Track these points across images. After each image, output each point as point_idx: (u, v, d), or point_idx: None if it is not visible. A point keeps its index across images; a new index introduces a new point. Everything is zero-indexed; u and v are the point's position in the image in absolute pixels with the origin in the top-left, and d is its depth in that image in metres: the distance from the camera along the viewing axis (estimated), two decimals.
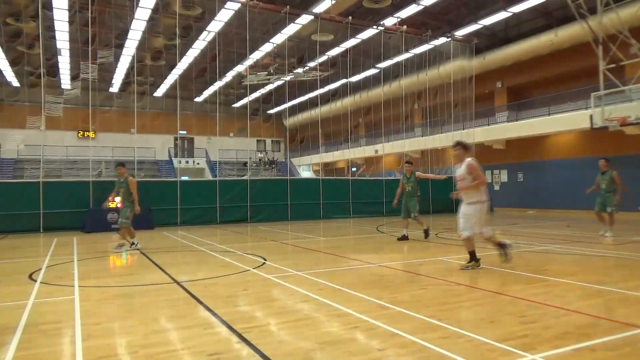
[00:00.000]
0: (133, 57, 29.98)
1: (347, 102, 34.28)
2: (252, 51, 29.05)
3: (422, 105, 31.86)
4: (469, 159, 7.21)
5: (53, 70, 32.69)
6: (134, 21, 24.23)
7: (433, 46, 27.45)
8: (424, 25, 25.99)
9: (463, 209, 7.29)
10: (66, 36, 26.03)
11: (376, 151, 33.55)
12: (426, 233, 11.56)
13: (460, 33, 26.23)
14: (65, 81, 35.36)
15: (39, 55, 28.35)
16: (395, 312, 4.92)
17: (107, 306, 5.55)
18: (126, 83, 37.20)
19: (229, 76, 34.65)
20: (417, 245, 10.94)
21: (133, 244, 10.73)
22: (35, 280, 7.22)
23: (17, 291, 6.50)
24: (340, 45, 28.20)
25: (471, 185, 7.09)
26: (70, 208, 16.52)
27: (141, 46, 28.06)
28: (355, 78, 34.09)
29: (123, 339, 4.37)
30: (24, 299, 5.93)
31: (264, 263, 8.49)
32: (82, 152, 37.17)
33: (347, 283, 6.46)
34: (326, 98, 38.99)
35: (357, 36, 26.49)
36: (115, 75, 35.02)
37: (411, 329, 4.30)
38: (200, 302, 5.55)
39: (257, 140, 46.24)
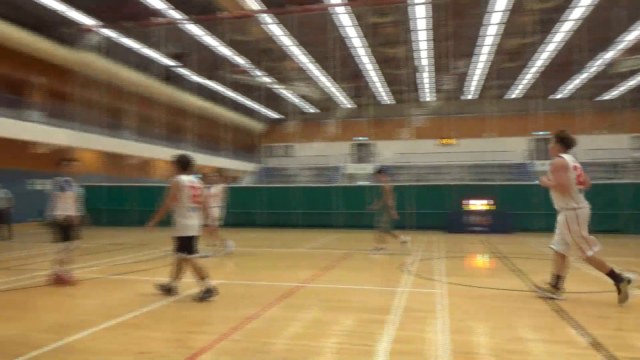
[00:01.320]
0: (487, 62, 30.46)
1: None
2: (623, 33, 24.90)
3: None
4: (557, 157, 5.84)
5: (416, 86, 36.69)
6: (488, 27, 24.56)
7: None
8: None
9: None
10: (426, 54, 28.74)
11: None
12: None
13: None
14: (427, 94, 39.09)
15: (405, 75, 32.51)
16: None
17: (471, 305, 5.76)
18: (481, 89, 38.09)
19: (595, 66, 30.64)
20: None
21: (381, 248, 10.92)
22: (406, 272, 8.21)
23: (389, 279, 7.54)
24: None
25: (551, 186, 5.82)
26: (434, 209, 18.04)
27: (495, 50, 28.15)
28: None
29: (486, 339, 4.44)
30: (396, 286, 6.84)
31: None
32: (443, 158, 40.28)
33: None
34: None
35: None
36: (470, 83, 36.36)
37: None
38: (565, 317, 5.09)
39: (636, 136, 38.77)
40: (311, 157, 42.57)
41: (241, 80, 31.18)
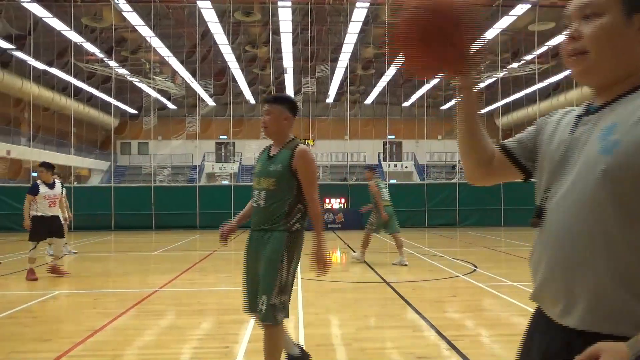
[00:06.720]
0: (346, 68, 32.17)
1: (572, 95, 30.56)
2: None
3: None
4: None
5: (280, 87, 37.27)
6: (347, 35, 25.94)
7: None
8: None
9: None
10: (290, 56, 29.35)
11: None
12: None
13: None
14: (291, 96, 39.86)
15: (270, 75, 32.88)
16: None
17: (324, 299, 6.05)
18: (340, 93, 40.09)
19: (438, 78, 34.22)
20: None
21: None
22: None
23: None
24: (564, 33, 25.20)
25: None
26: None
27: (353, 58, 29.85)
28: None
29: (338, 330, 4.70)
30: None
31: (475, 270, 8.12)
32: None
33: None
34: (546, 93, 35.35)
35: None
36: (330, 87, 38.04)
37: None
38: (409, 304, 5.62)
39: None
40: (170, 155, 40.74)
41: (93, 70, 28.57)
